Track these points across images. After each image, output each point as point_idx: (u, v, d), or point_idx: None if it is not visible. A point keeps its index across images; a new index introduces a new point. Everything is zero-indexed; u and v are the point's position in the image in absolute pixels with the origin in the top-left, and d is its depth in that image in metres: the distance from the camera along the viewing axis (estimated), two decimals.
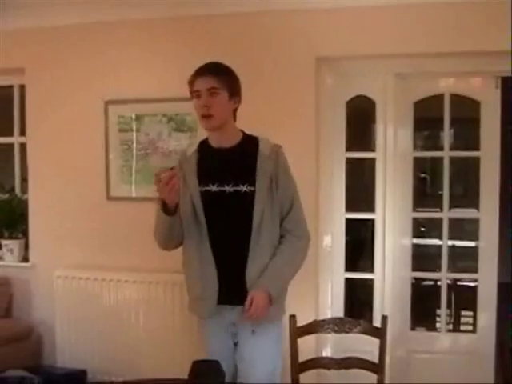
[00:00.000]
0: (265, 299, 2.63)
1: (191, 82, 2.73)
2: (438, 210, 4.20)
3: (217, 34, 4.05)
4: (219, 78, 2.69)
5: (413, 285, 4.18)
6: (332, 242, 4.09)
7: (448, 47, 3.75)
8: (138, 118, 4.27)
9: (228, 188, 2.72)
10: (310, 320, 3.15)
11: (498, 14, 3.60)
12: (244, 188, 2.70)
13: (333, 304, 4.12)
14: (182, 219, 2.75)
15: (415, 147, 4.26)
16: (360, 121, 4.62)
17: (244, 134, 2.83)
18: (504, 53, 3.61)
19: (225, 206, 2.73)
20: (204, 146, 2.85)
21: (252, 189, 2.69)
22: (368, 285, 4.15)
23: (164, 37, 4.17)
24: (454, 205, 4.23)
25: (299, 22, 3.92)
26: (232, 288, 2.71)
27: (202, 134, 3.84)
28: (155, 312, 4.12)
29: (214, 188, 2.74)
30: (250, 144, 2.78)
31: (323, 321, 3.18)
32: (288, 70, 3.88)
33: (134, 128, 4.29)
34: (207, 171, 2.77)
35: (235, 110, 2.81)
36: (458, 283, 5.05)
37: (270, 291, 2.65)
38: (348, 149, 4.12)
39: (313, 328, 3.11)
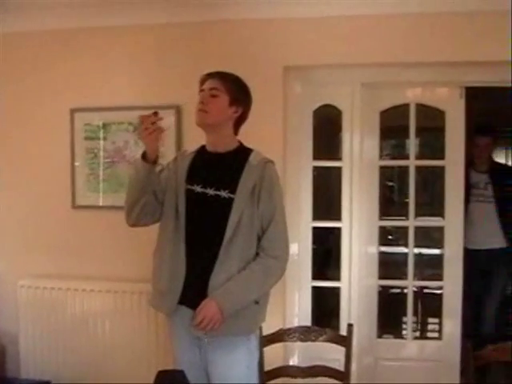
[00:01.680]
0: (214, 311, 2.58)
1: (201, 82, 2.81)
2: (405, 218, 4.23)
3: (183, 42, 4.05)
4: (223, 82, 2.78)
5: (379, 293, 4.20)
6: (299, 250, 4.08)
7: (414, 57, 3.79)
8: (105, 126, 4.23)
9: (210, 191, 2.74)
10: (277, 328, 3.15)
11: (463, 25, 3.67)
12: (224, 194, 2.71)
13: (300, 312, 4.12)
14: (164, 210, 2.81)
15: (381, 156, 4.30)
16: (327, 130, 4.65)
17: (241, 144, 2.86)
18: (468, 63, 3.70)
19: (205, 208, 2.75)
20: (202, 149, 2.90)
21: (232, 196, 2.69)
22: (335, 293, 4.16)
23: (130, 45, 4.14)
24: (420, 213, 4.27)
25: (267, 30, 3.94)
26: (195, 291, 2.67)
27: (169, 143, 3.91)
28: (122, 322, 4.07)
29: (197, 188, 2.76)
30: (242, 154, 2.80)
31: (289, 329, 3.20)
32: (255, 78, 3.84)
33: (101, 136, 4.25)
34: (195, 171, 2.82)
35: (237, 123, 2.85)
36: (425, 291, 5.10)
37: (220, 305, 2.60)
38: (315, 157, 4.13)
39: (279, 337, 3.12)
